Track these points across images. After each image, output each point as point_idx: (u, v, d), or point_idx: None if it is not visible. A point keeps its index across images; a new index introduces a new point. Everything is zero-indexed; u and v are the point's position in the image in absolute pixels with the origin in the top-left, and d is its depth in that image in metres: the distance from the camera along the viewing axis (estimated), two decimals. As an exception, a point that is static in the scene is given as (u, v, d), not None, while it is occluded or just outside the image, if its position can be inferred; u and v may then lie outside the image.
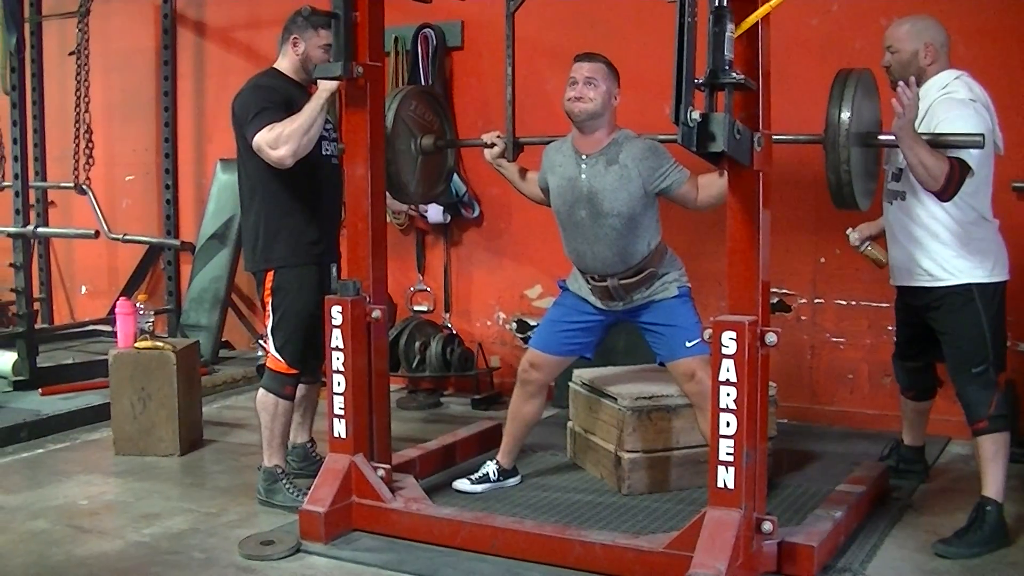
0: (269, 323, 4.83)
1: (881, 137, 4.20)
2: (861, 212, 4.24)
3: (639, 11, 6.47)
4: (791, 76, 5.40)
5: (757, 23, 3.54)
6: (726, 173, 3.81)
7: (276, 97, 4.67)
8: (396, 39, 7.21)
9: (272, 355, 4.84)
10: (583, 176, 4.60)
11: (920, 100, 4.20)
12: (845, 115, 3.91)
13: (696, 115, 3.23)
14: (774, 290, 6.03)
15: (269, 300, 4.82)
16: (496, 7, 5.29)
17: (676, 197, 4.59)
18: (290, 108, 4.61)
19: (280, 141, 4.50)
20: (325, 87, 4.52)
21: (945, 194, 4.08)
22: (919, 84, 4.28)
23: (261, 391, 4.88)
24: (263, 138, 4.54)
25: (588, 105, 4.54)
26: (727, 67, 3.37)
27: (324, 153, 4.83)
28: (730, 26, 3.36)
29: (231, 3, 8.56)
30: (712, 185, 4.46)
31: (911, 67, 4.37)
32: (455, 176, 7.09)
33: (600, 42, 6.62)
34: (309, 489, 4.55)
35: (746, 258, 3.74)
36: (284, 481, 4.85)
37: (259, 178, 4.74)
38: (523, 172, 5.09)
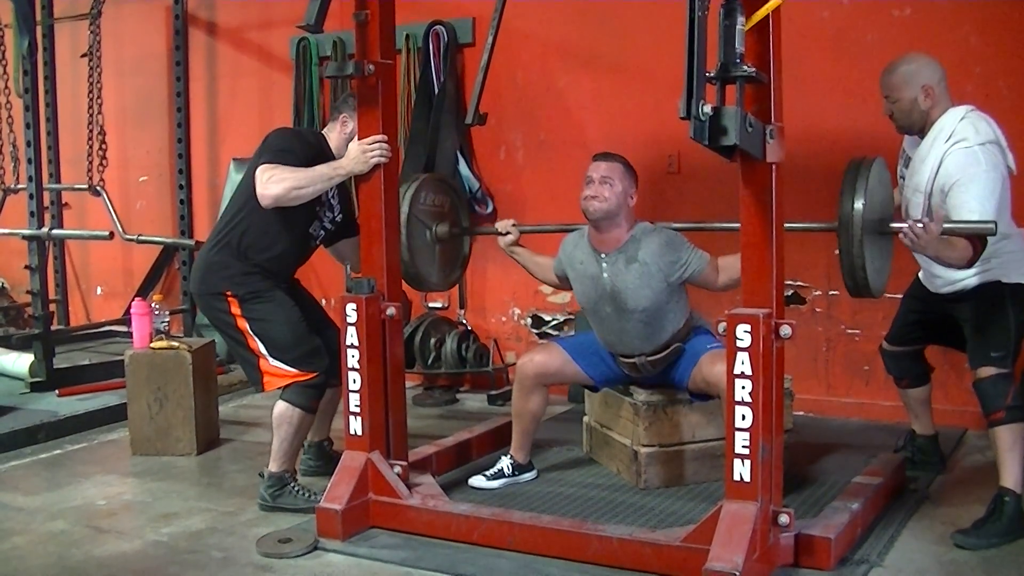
0: (264, 351, 4.78)
1: (893, 225, 4.19)
2: (875, 298, 4.27)
3: (649, 5, 6.45)
4: (803, 69, 5.39)
5: (768, 16, 3.54)
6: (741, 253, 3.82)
7: (308, 153, 4.69)
8: (408, 37, 7.21)
9: (284, 370, 4.77)
10: (605, 275, 4.64)
11: (929, 149, 4.28)
12: (859, 204, 3.93)
13: (708, 109, 3.22)
14: (788, 282, 6.03)
15: (246, 326, 4.80)
16: (507, 4, 5.29)
17: (698, 282, 4.64)
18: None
19: (273, 180, 4.52)
20: (345, 168, 4.53)
21: (970, 266, 4.14)
22: (924, 131, 4.33)
23: (284, 404, 4.79)
24: (266, 168, 4.56)
25: (603, 204, 4.55)
26: (738, 60, 3.36)
27: (310, 231, 4.92)
28: (741, 19, 3.35)
29: (242, 4, 8.56)
30: (732, 268, 4.42)
31: (914, 114, 4.36)
32: (469, 172, 7.10)
33: (611, 38, 6.65)
34: (319, 490, 4.60)
35: (760, 251, 3.74)
36: (292, 484, 4.82)
37: (250, 207, 4.73)
38: (538, 258, 5.13)
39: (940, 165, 4.24)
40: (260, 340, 4.79)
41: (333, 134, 4.92)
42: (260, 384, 4.85)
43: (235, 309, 4.80)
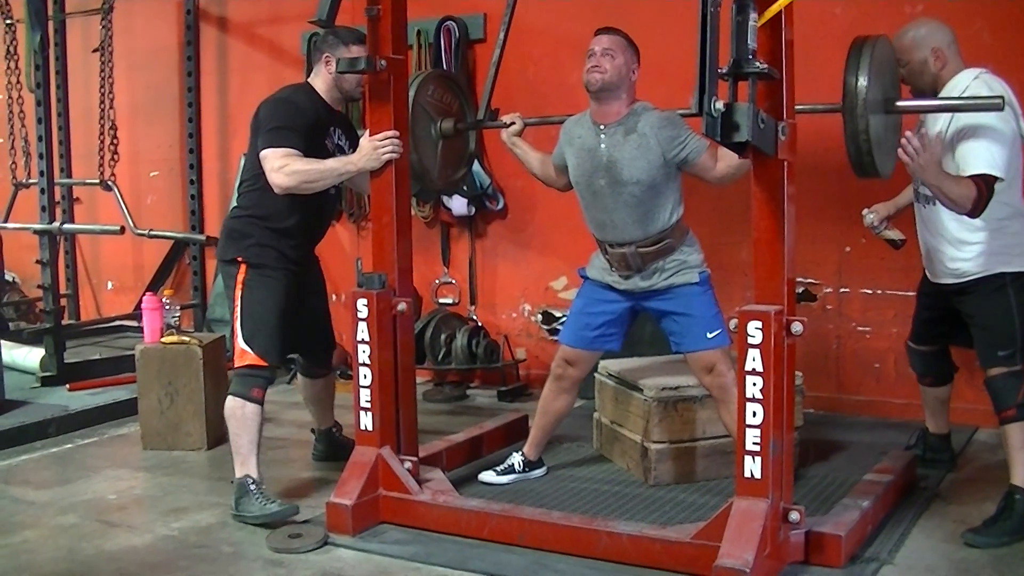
0: (237, 316, 4.75)
1: (900, 104, 4.16)
2: (884, 179, 4.21)
3: (662, 1, 6.44)
4: (815, 65, 5.37)
5: (780, 12, 3.53)
6: None
7: (301, 121, 4.66)
8: (419, 32, 7.21)
9: (240, 348, 4.72)
10: (602, 146, 4.60)
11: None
12: (863, 81, 3.89)
13: (720, 105, 3.22)
14: (800, 279, 6.02)
15: (239, 292, 4.77)
16: (519, -1, 5.31)
17: (696, 167, 4.56)
18: (310, 137, 4.65)
19: (285, 171, 4.51)
20: (356, 164, 4.52)
21: (974, 214, 4.07)
22: (936, 90, 4.30)
23: (228, 398, 4.70)
24: (275, 156, 4.54)
25: (604, 76, 4.53)
26: (750, 56, 3.36)
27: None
28: (753, 15, 3.35)
29: (253, -1, 8.59)
30: (732, 155, 4.36)
31: (925, 76, 4.35)
32: (479, 168, 7.10)
33: (622, 33, 6.61)
34: (279, 499, 4.61)
35: (771, 248, 3.73)
36: (255, 491, 4.61)
37: (264, 181, 4.66)
38: (538, 153, 5.10)
39: (952, 118, 4.21)
40: (240, 309, 4.76)
41: (319, 79, 4.89)
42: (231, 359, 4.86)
43: (240, 276, 4.78)
